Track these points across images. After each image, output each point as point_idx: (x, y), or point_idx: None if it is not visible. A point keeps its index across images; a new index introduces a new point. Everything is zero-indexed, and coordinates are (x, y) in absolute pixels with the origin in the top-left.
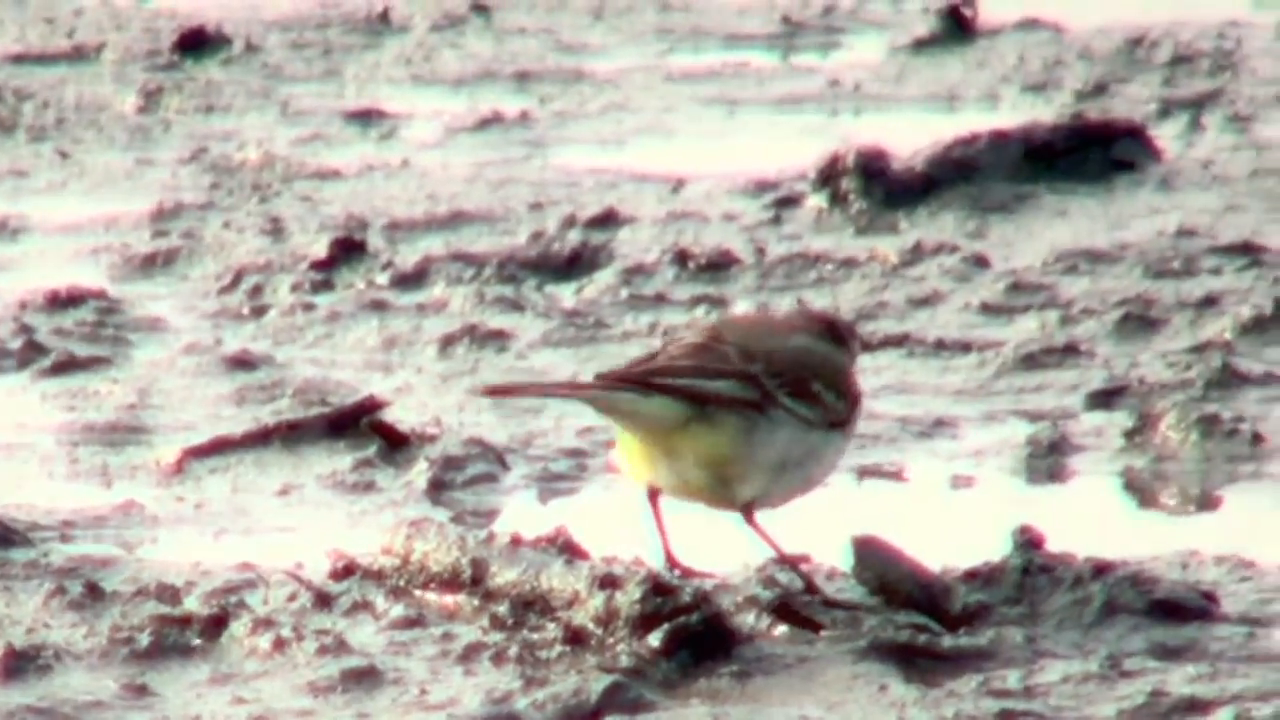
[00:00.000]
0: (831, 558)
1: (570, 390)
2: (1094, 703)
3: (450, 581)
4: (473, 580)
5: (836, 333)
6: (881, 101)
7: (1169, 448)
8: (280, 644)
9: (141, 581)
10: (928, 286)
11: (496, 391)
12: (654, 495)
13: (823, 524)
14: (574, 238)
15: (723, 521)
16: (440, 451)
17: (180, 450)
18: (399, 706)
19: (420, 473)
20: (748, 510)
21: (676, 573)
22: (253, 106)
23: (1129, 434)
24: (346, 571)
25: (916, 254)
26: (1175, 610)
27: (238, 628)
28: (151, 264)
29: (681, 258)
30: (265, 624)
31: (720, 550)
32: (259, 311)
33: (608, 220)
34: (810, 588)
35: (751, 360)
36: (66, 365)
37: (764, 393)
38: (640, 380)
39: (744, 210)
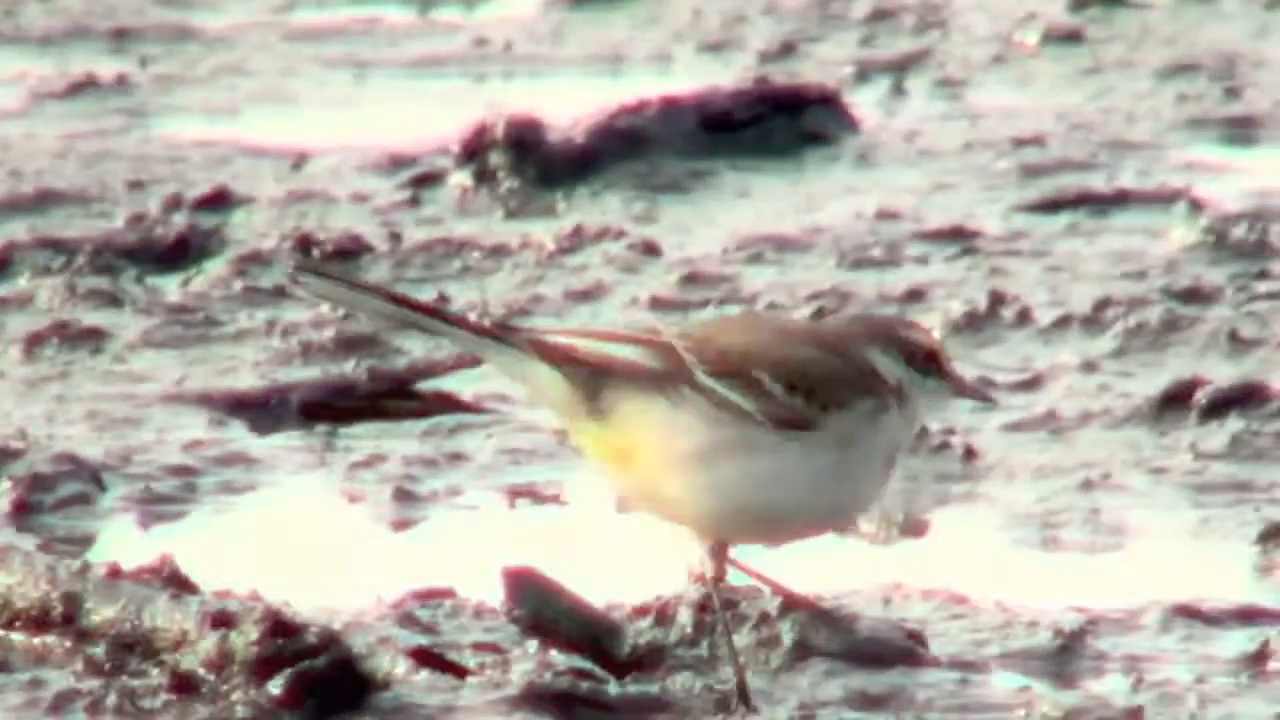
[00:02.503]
0: (478, 591)
1: (440, 319)
2: None
3: (38, 620)
4: (64, 618)
5: (833, 337)
6: (535, 63)
7: None
8: None
9: None
10: (589, 277)
11: (317, 272)
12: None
13: (468, 552)
14: (180, 221)
15: (342, 545)
16: (26, 469)
17: None
18: None
19: (2, 493)
20: (713, 549)
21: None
22: None
23: None
24: None
25: (576, 240)
26: (877, 653)
27: None
28: None
29: (304, 244)
30: None
31: (349, 582)
32: None
33: (219, 201)
34: (827, 617)
35: (684, 339)
36: None
37: (679, 367)
38: (539, 350)
39: (376, 189)
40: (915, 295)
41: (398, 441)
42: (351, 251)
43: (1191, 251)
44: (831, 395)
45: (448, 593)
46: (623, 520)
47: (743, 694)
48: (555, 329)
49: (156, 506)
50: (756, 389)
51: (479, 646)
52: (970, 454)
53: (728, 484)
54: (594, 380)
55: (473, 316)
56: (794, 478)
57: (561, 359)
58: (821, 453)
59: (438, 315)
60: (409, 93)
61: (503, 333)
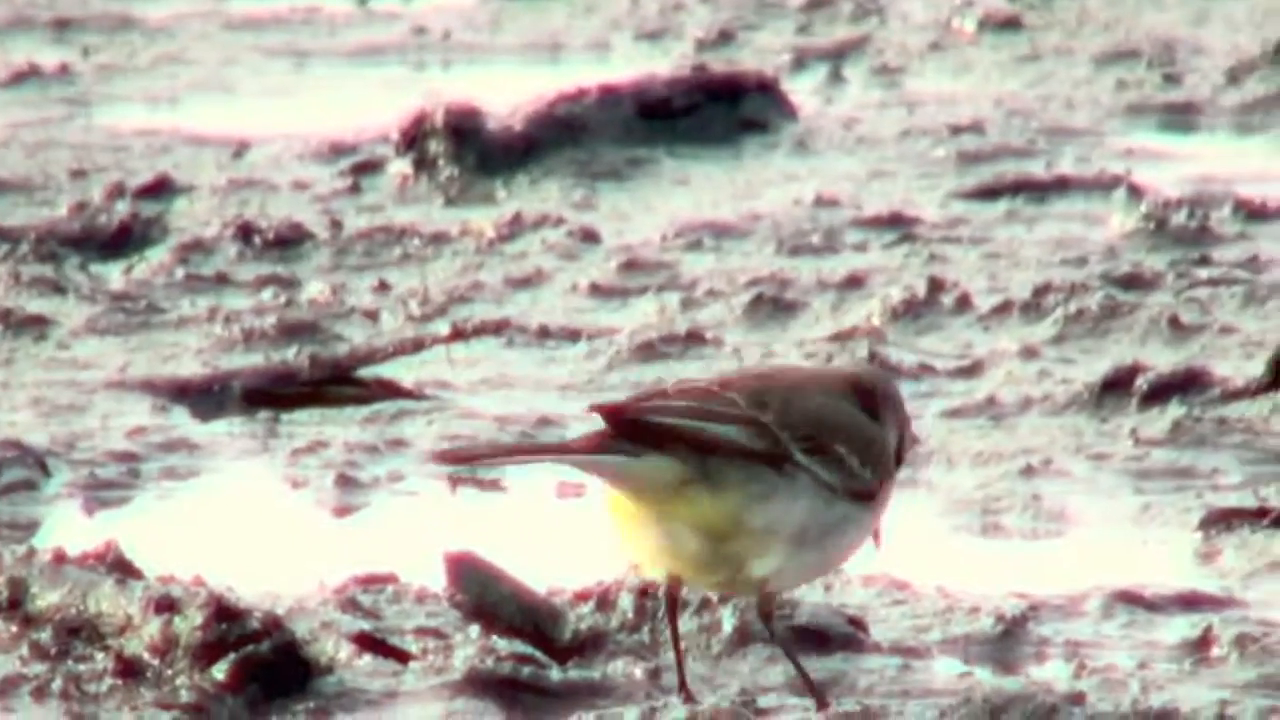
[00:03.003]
0: (422, 577)
1: (551, 454)
2: None
3: None
4: (10, 603)
5: (869, 398)
6: (474, 52)
7: None
8: None
9: None
10: (529, 265)
11: (460, 459)
12: (674, 600)
13: (411, 538)
14: (122, 209)
15: (285, 530)
16: None
17: None
18: None
19: None
20: (765, 596)
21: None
22: None
23: None
24: None
25: (516, 227)
26: (819, 639)
27: None
28: None
29: (245, 232)
30: None
31: (292, 567)
32: None
33: (161, 189)
34: (821, 704)
35: (763, 409)
36: None
37: (777, 445)
38: (631, 432)
39: (317, 178)
40: (854, 282)
41: (339, 428)
42: (292, 240)
43: (1131, 238)
44: (883, 467)
45: (390, 578)
46: (564, 506)
47: (682, 686)
48: (645, 404)
49: (101, 492)
50: (840, 464)
51: (421, 631)
52: (911, 441)
53: (819, 556)
54: (702, 462)
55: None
56: (857, 543)
57: (671, 443)
58: (871, 518)
59: (557, 451)
60: (349, 81)
61: (613, 438)
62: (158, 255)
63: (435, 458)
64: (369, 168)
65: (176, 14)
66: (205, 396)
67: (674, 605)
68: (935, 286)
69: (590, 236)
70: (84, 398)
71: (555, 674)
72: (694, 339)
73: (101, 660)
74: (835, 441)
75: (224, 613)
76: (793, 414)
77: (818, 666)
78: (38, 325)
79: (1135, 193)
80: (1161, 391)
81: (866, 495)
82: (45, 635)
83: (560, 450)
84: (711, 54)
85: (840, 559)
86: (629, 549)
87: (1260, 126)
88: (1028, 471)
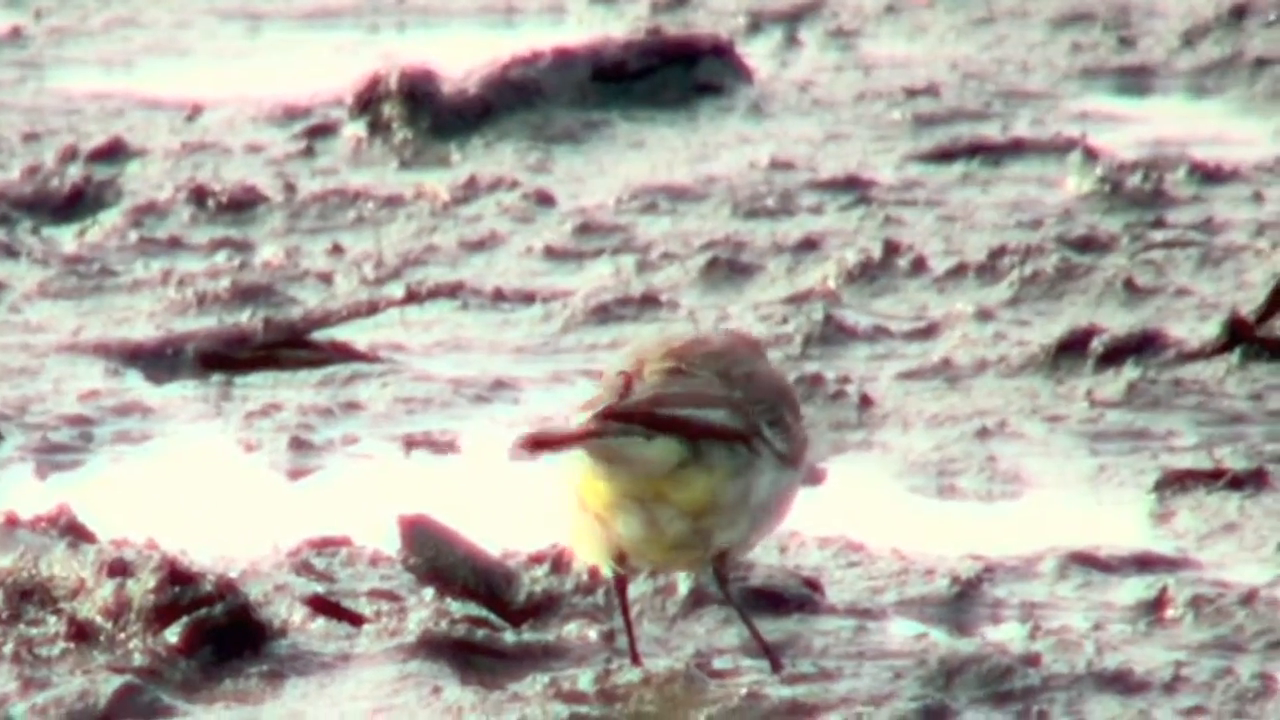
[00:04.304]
0: (375, 540)
1: (576, 441)
2: (680, 707)
3: None
4: None
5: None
6: (429, 15)
7: None
8: None
9: None
10: (484, 228)
11: (537, 444)
12: (623, 582)
13: (364, 501)
14: (75, 173)
15: (238, 493)
16: None
17: None
18: None
19: None
20: (721, 558)
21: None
22: None
23: None
24: None
25: (471, 190)
26: (774, 600)
27: None
28: None
29: (199, 195)
30: None
31: (245, 530)
32: None
33: (114, 152)
34: (776, 665)
35: (731, 385)
36: None
37: (751, 424)
38: (646, 417)
39: (271, 141)
40: (809, 245)
41: (293, 391)
42: (246, 203)
43: (1086, 200)
44: (804, 428)
45: (343, 541)
46: (518, 468)
47: (634, 656)
48: (657, 397)
49: (53, 456)
50: (788, 432)
51: (375, 594)
52: (866, 402)
53: (774, 523)
54: (695, 445)
55: None
56: (792, 502)
57: (674, 430)
58: (799, 476)
59: (585, 436)
60: (302, 44)
61: (619, 422)
62: (111, 219)
63: (519, 447)
64: (323, 131)
65: None
66: (158, 360)
67: (623, 589)
68: (890, 249)
69: (545, 199)
70: (36, 361)
71: (509, 637)
72: (649, 302)
73: (54, 624)
74: (783, 410)
75: (177, 576)
76: (754, 388)
77: (772, 628)
78: None
79: (1090, 155)
80: (1117, 353)
81: (800, 458)
82: None
83: (586, 435)
84: (666, 17)
85: (782, 522)
86: (592, 543)
87: (1215, 89)
88: (983, 433)
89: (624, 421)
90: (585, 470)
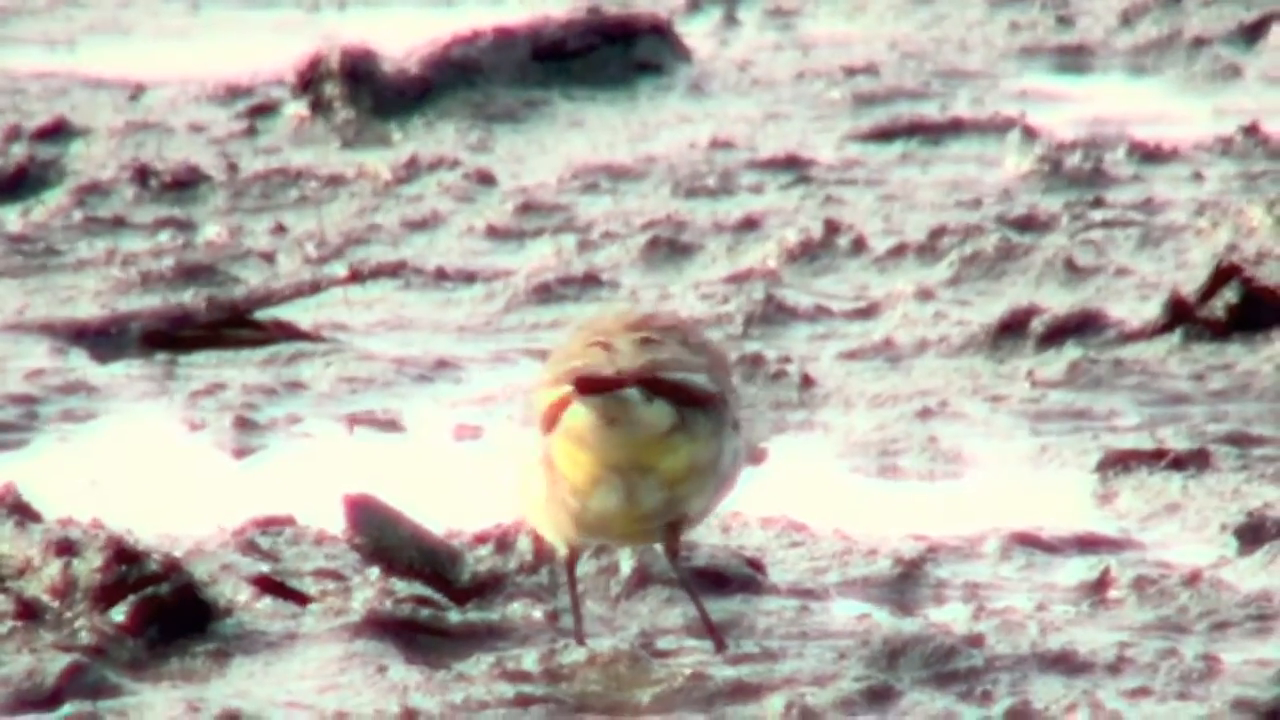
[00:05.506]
0: (320, 520)
1: (626, 383)
2: (624, 687)
3: None
4: None
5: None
6: None
7: None
8: None
9: None
10: (425, 207)
11: (589, 386)
12: (573, 559)
13: (309, 480)
14: (19, 152)
15: (184, 472)
16: None
17: None
18: None
19: None
20: (673, 534)
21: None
22: None
23: None
24: None
25: (412, 169)
26: (717, 581)
27: None
28: None
29: (142, 174)
30: None
31: (191, 509)
32: None
33: (58, 132)
34: (719, 645)
35: (699, 354)
36: None
37: (720, 389)
38: (650, 379)
39: (213, 120)
40: (750, 224)
41: (237, 370)
42: (189, 182)
43: (1026, 180)
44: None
45: (288, 520)
46: (462, 449)
47: (579, 637)
48: (657, 363)
49: None
50: (737, 400)
51: (320, 573)
52: (807, 382)
53: (729, 490)
54: (682, 410)
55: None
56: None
57: (670, 394)
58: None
59: (611, 384)
60: (244, 24)
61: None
62: (55, 198)
63: (578, 387)
64: (265, 110)
65: None
66: (103, 339)
67: (573, 567)
68: (831, 228)
69: (486, 179)
70: None
71: (454, 616)
72: (590, 281)
73: (1, 603)
74: (732, 379)
75: (123, 555)
76: (713, 358)
77: (716, 608)
78: None
79: (1030, 135)
80: (1057, 333)
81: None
82: None
83: (631, 379)
84: None
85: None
86: (555, 519)
87: (1153, 68)
88: (924, 413)
89: (637, 383)
90: (566, 442)
